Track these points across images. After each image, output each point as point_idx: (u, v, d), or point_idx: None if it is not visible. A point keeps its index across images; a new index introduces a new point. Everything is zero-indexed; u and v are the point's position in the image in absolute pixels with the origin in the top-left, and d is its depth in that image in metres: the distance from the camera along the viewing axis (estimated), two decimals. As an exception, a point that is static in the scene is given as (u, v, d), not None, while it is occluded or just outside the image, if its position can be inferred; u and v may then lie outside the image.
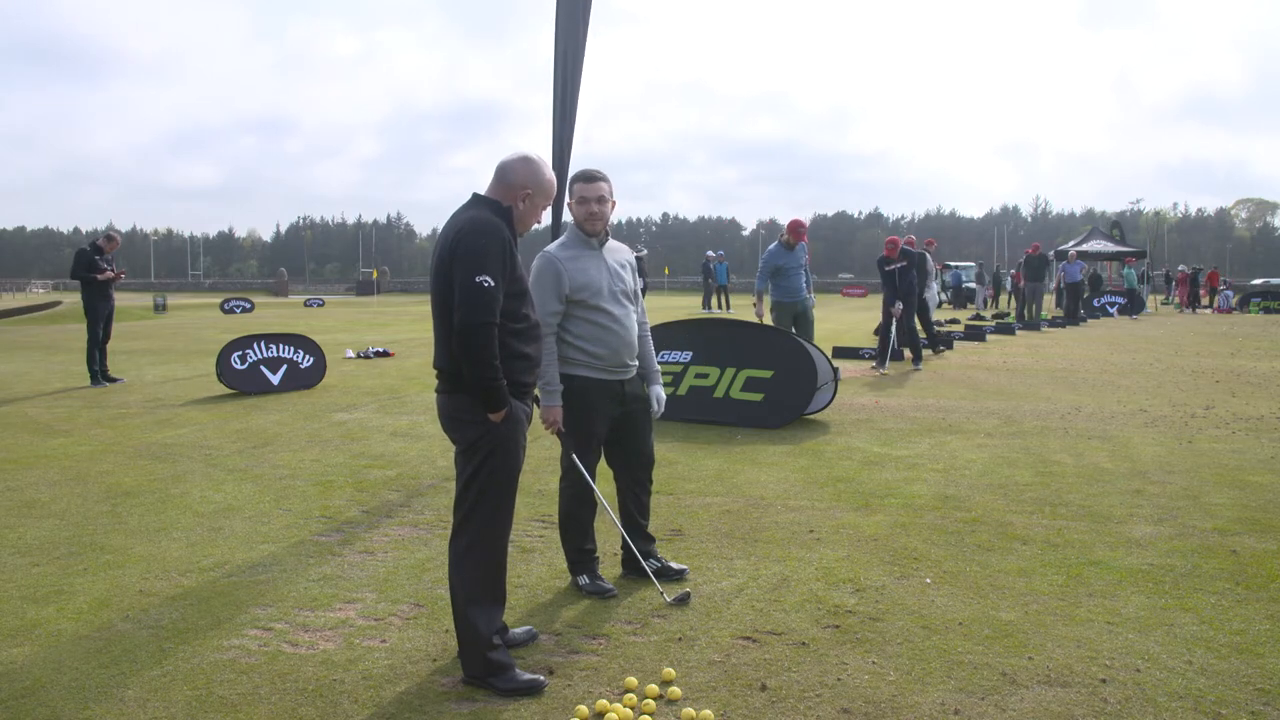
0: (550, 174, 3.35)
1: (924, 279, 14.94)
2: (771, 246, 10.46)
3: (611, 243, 4.15)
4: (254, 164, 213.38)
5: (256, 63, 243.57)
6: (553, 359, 3.93)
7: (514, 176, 3.27)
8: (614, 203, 4.05)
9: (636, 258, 4.49)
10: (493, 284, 3.05)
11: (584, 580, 4.13)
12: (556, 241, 4.10)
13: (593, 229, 4.01)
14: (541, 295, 3.88)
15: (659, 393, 4.30)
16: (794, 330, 9.90)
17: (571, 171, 7.81)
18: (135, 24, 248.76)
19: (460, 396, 3.21)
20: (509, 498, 3.31)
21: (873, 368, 12.55)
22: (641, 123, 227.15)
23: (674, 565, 4.31)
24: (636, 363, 4.16)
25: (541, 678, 3.22)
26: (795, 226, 10.41)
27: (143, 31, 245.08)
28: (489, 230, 3.13)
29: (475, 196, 3.31)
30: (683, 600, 3.96)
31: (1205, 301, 37.00)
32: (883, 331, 12.66)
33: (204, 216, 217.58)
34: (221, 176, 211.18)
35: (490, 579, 3.28)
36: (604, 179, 4.02)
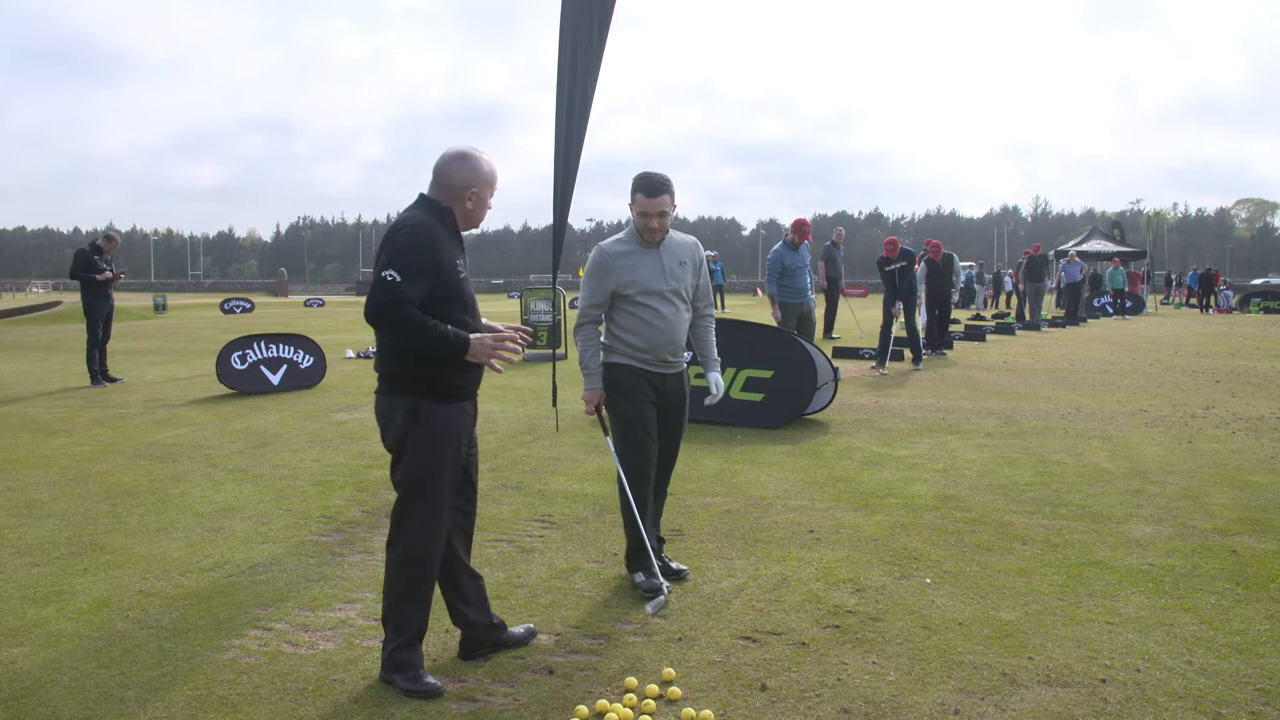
0: (487, 163, 3.31)
1: (950, 278, 15.04)
2: (777, 247, 10.43)
3: (673, 239, 4.16)
4: (258, 165, 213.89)
5: (263, 64, 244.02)
6: (591, 344, 4.11)
7: (454, 179, 3.26)
8: (675, 206, 4.06)
9: None
10: (398, 279, 3.07)
11: (639, 578, 4.11)
12: (614, 236, 4.17)
13: (650, 240, 4.06)
14: (589, 288, 4.08)
15: (717, 379, 4.34)
16: (796, 331, 9.89)
17: (585, 171, 7.87)
18: (144, 26, 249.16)
19: (383, 398, 3.26)
20: (437, 501, 3.26)
21: (873, 368, 12.55)
22: (648, 124, 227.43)
23: (674, 565, 4.31)
24: (676, 360, 4.18)
25: (438, 684, 3.18)
26: (800, 225, 10.39)
27: (151, 34, 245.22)
28: (415, 231, 3.15)
29: (420, 196, 3.32)
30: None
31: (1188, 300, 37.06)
32: (883, 331, 12.66)
33: (206, 216, 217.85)
34: (226, 177, 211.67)
35: (417, 583, 3.26)
36: (667, 190, 4.00)
